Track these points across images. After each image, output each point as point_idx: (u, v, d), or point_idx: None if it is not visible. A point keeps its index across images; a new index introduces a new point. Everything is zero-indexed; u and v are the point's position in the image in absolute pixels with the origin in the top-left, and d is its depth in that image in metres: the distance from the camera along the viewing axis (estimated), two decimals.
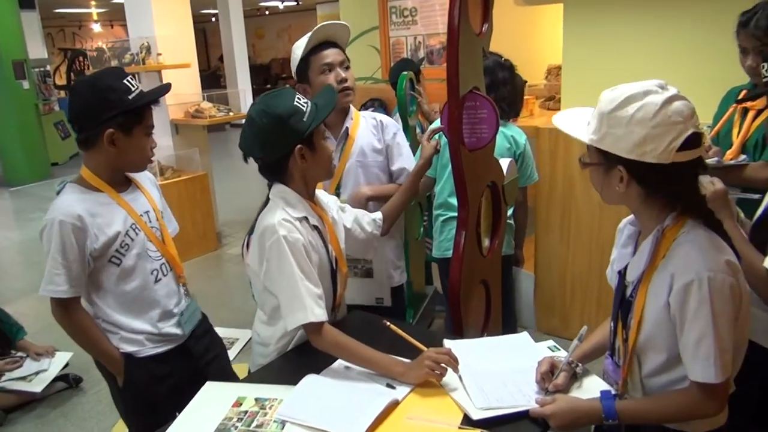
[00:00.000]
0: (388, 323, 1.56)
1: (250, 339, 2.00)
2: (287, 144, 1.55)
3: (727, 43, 2.08)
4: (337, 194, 2.08)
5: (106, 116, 1.59)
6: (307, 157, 1.57)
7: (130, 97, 1.62)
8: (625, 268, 1.29)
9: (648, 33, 2.98)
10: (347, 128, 2.10)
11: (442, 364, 1.42)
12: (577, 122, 1.25)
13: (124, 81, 1.62)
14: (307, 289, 1.50)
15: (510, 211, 2.59)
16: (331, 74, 2.04)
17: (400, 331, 1.54)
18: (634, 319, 1.24)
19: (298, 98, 1.56)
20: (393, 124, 2.18)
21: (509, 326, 2.61)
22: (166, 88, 1.81)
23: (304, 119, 1.54)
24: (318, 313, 1.50)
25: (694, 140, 1.13)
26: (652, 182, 1.17)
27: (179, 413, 1.42)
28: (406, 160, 2.17)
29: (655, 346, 1.22)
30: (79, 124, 1.64)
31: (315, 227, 1.63)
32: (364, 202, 2.07)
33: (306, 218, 1.60)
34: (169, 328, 1.81)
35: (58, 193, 1.66)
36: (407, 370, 1.44)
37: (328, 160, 1.65)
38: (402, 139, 2.18)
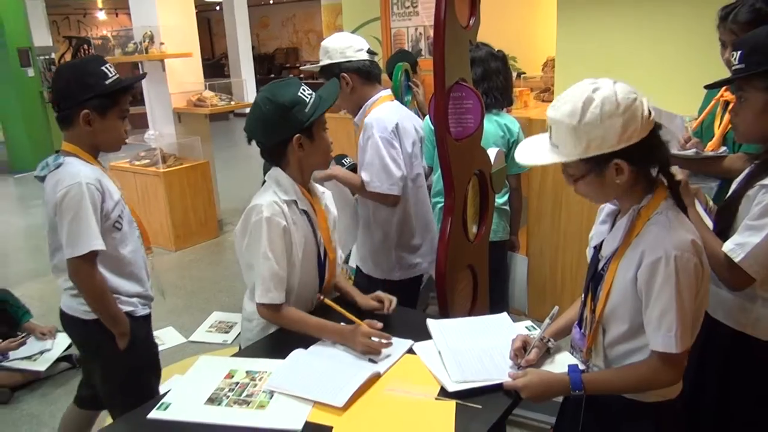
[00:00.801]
0: (322, 297, 1.70)
1: None
2: (287, 132, 1.64)
3: (715, 36, 2.13)
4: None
5: (83, 97, 1.75)
6: (305, 146, 1.66)
7: (107, 82, 1.77)
8: (601, 243, 1.37)
9: (638, 26, 3.03)
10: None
11: (374, 342, 1.55)
12: (541, 151, 1.30)
13: (102, 68, 1.77)
14: (270, 270, 1.62)
15: (506, 198, 2.67)
16: None
17: (334, 305, 1.68)
18: (602, 291, 1.32)
19: (303, 89, 1.64)
20: (370, 127, 2.21)
21: (501, 311, 2.69)
22: (141, 77, 2.03)
23: (306, 110, 1.63)
24: (272, 296, 1.62)
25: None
26: (644, 157, 1.24)
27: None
28: (363, 171, 2.23)
29: (619, 316, 1.31)
30: (58, 103, 1.79)
31: (304, 212, 1.72)
32: (325, 180, 2.19)
33: (295, 202, 1.69)
34: (149, 291, 2.00)
35: (57, 167, 1.76)
36: (344, 340, 1.59)
37: (326, 151, 1.73)
38: (371, 146, 2.20)
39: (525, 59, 5.06)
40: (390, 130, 2.22)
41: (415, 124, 2.42)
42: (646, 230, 1.26)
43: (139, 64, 5.38)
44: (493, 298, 2.49)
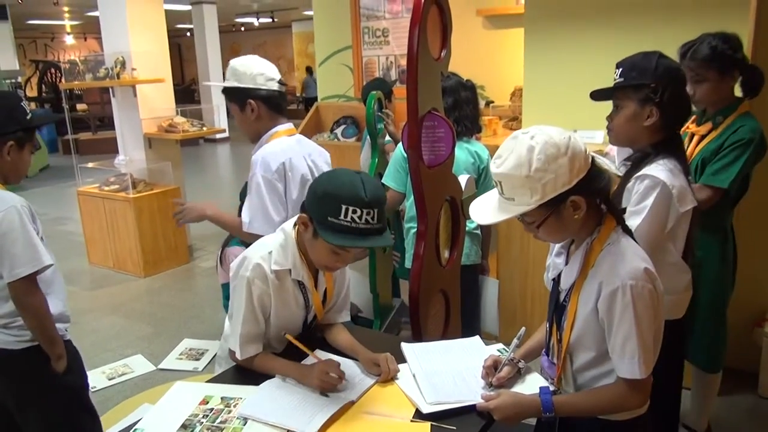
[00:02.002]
0: (286, 335, 1.65)
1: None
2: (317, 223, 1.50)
3: None
4: None
5: (8, 129, 1.81)
6: (316, 242, 1.56)
7: (27, 117, 1.86)
8: (559, 275, 1.42)
9: (603, 56, 3.15)
10: None
11: (331, 378, 1.52)
12: (497, 208, 1.33)
13: (22, 104, 1.87)
14: (247, 332, 1.62)
15: (476, 222, 2.72)
16: None
17: (294, 340, 1.64)
18: (567, 322, 1.36)
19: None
20: (254, 165, 2.15)
21: (473, 333, 2.73)
22: (54, 117, 2.32)
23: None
24: (250, 350, 1.63)
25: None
26: (593, 188, 1.29)
27: None
28: (244, 210, 2.17)
29: (584, 344, 1.35)
30: None
31: (299, 282, 1.67)
32: (198, 217, 2.25)
33: (289, 271, 1.63)
34: (68, 310, 2.00)
35: None
36: (303, 378, 1.55)
37: (326, 256, 1.57)
38: (253, 186, 2.13)
39: (493, 88, 5.19)
40: (274, 169, 2.11)
41: (321, 161, 2.33)
42: (600, 261, 1.31)
43: (110, 89, 5.36)
44: (465, 321, 2.53)
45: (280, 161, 2.13)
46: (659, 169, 1.67)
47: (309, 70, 18.39)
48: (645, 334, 1.26)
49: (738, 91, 2.26)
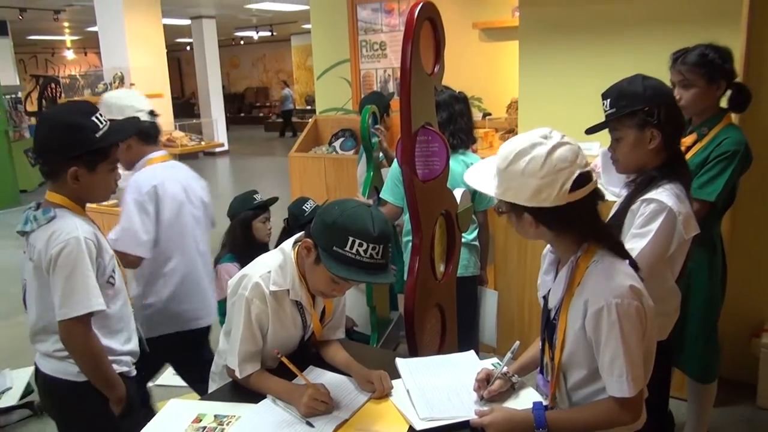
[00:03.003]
0: (280, 355, 1.60)
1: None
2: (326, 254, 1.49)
3: (668, 76, 2.27)
4: None
5: (71, 155, 1.60)
6: (317, 268, 1.55)
7: (97, 135, 1.62)
8: (548, 293, 1.43)
9: (597, 68, 3.19)
10: None
11: (318, 404, 1.50)
12: (485, 175, 1.37)
13: (93, 118, 1.62)
14: (246, 351, 1.61)
15: (475, 233, 2.73)
16: None
17: (288, 362, 1.59)
18: (558, 340, 1.37)
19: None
20: (127, 188, 2.23)
21: (471, 346, 2.73)
22: (134, 124, 1.91)
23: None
24: (248, 368, 1.62)
25: (583, 179, 1.26)
26: (556, 223, 1.31)
27: None
28: (113, 229, 2.22)
29: (576, 362, 1.35)
30: (43, 158, 1.65)
31: (297, 303, 1.67)
32: None
33: (287, 291, 1.63)
34: (138, 347, 1.89)
35: (49, 221, 1.63)
36: (291, 399, 1.54)
37: (325, 283, 1.57)
38: (124, 207, 2.21)
39: (490, 100, 5.22)
40: (145, 192, 2.20)
41: (196, 184, 2.46)
42: (586, 279, 1.31)
43: None
44: (464, 333, 2.52)
45: (152, 184, 2.22)
46: (666, 194, 1.67)
47: (285, 84, 18.58)
48: (633, 352, 1.25)
49: (725, 104, 2.28)
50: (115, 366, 1.75)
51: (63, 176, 1.63)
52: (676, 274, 1.81)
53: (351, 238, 1.43)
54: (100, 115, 1.66)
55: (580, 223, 1.31)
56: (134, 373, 1.85)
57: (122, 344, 1.79)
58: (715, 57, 2.14)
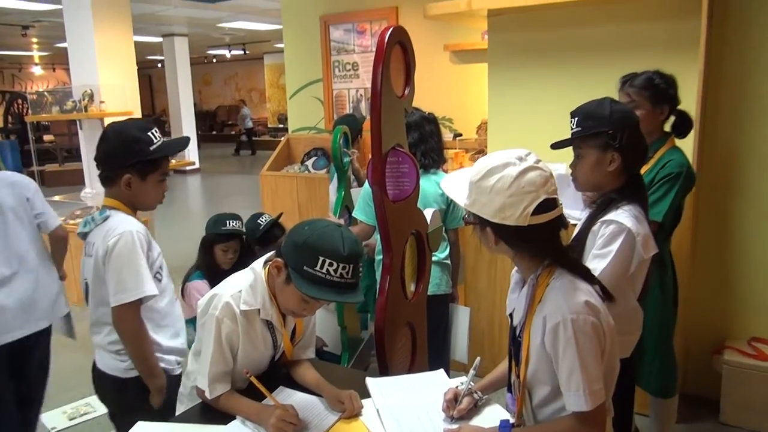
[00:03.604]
0: (249, 374, 1.60)
1: None
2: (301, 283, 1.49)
3: None
4: None
5: (126, 163, 1.83)
6: (287, 287, 1.56)
7: (151, 148, 1.84)
8: (514, 311, 1.46)
9: (562, 91, 3.27)
10: None
11: (287, 423, 1.49)
12: (459, 184, 1.41)
13: (148, 133, 1.84)
14: (216, 371, 1.60)
15: (447, 252, 2.76)
16: None
17: (257, 383, 1.59)
18: (522, 357, 1.39)
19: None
20: None
21: (443, 364, 2.75)
22: (184, 142, 2.08)
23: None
24: (218, 389, 1.61)
25: (548, 205, 1.30)
26: (515, 241, 1.35)
27: None
28: None
29: (539, 379, 1.38)
30: (102, 165, 1.88)
31: (268, 322, 1.67)
32: None
33: (258, 311, 1.64)
34: (183, 345, 2.01)
35: (104, 220, 1.85)
36: (260, 421, 1.53)
37: (296, 303, 1.58)
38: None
39: (461, 121, 5.30)
40: None
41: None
42: (546, 296, 1.34)
43: (78, 122, 5.33)
44: (437, 350, 2.54)
45: None
46: (625, 216, 1.72)
47: (243, 102, 18.62)
48: (590, 366, 1.28)
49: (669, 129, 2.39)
50: (159, 361, 1.90)
51: (118, 182, 1.85)
52: (637, 293, 1.86)
53: (321, 258, 1.44)
54: (156, 131, 1.88)
55: (538, 244, 1.35)
56: (178, 371, 1.98)
57: (168, 339, 1.95)
58: (661, 82, 2.27)
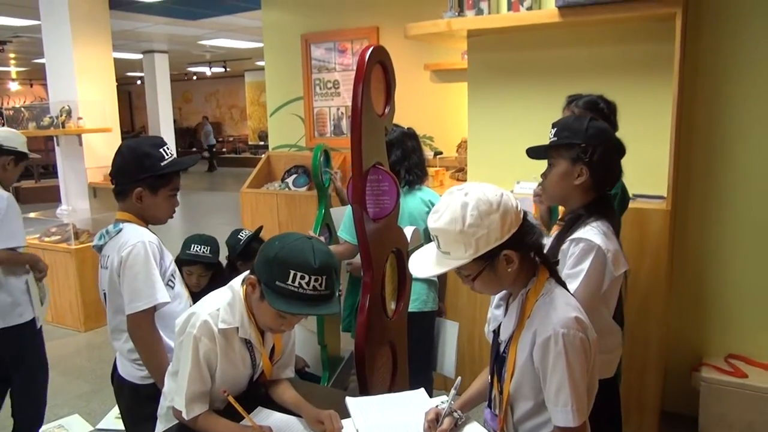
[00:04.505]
0: (226, 393, 1.59)
1: None
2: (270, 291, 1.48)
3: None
4: None
5: (137, 177, 1.89)
6: (262, 304, 1.54)
7: (162, 164, 1.90)
8: (499, 327, 1.46)
9: (540, 110, 3.30)
10: None
11: None
12: (434, 261, 1.38)
13: (160, 150, 1.92)
14: (194, 391, 1.57)
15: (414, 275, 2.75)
16: None
17: (234, 402, 1.58)
18: (507, 372, 1.40)
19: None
20: None
21: (427, 382, 2.74)
22: (194, 160, 2.22)
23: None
24: (196, 410, 1.57)
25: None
26: (524, 242, 1.35)
27: None
28: None
29: (523, 394, 1.38)
30: (115, 179, 1.95)
31: (247, 341, 1.65)
32: None
33: (236, 329, 1.61)
34: None
35: (118, 232, 1.92)
36: None
37: (272, 319, 1.56)
38: None
39: (441, 139, 5.33)
40: None
41: None
42: (535, 312, 1.35)
43: (55, 138, 5.26)
44: (424, 367, 2.52)
45: None
46: (594, 233, 1.73)
47: (206, 119, 18.58)
48: (577, 382, 1.29)
49: None
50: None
51: (130, 196, 1.92)
52: (612, 311, 1.87)
53: (292, 272, 1.43)
54: (167, 148, 1.95)
55: (532, 233, 1.36)
56: None
57: None
58: (604, 107, 2.34)
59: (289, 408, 1.70)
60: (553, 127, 1.83)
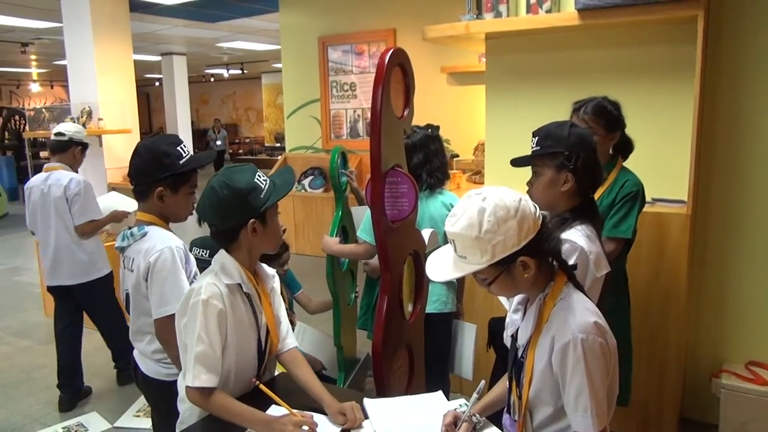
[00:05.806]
0: (257, 381, 1.63)
1: None
2: (242, 217, 1.63)
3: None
4: None
5: (158, 176, 1.91)
6: (258, 230, 1.66)
7: (181, 162, 1.93)
8: (517, 331, 1.45)
9: (559, 113, 3.27)
10: None
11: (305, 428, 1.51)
12: (451, 264, 1.38)
13: (178, 148, 1.94)
14: (203, 353, 1.58)
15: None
16: None
17: (267, 390, 1.60)
18: (525, 378, 1.39)
19: (259, 175, 1.67)
20: None
21: (444, 384, 2.74)
22: (211, 155, 2.25)
23: (261, 196, 1.64)
24: (203, 379, 1.57)
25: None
26: (542, 248, 1.34)
27: None
28: None
29: (543, 400, 1.37)
30: (135, 180, 1.97)
31: (247, 295, 1.71)
32: None
33: (239, 285, 1.68)
34: None
35: (143, 235, 1.94)
36: (272, 431, 1.53)
37: (277, 236, 1.73)
38: None
39: (457, 142, 5.33)
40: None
41: (56, 187, 3.42)
42: (553, 316, 1.35)
43: None
44: (441, 369, 2.50)
45: (26, 186, 3.53)
46: (578, 235, 1.74)
47: (217, 121, 18.56)
48: (597, 387, 1.28)
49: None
50: None
51: (151, 196, 1.94)
52: None
53: (255, 181, 1.63)
54: (185, 146, 1.97)
55: (551, 239, 1.36)
56: None
57: None
58: (612, 109, 2.37)
59: (308, 391, 1.72)
60: (534, 136, 1.85)
